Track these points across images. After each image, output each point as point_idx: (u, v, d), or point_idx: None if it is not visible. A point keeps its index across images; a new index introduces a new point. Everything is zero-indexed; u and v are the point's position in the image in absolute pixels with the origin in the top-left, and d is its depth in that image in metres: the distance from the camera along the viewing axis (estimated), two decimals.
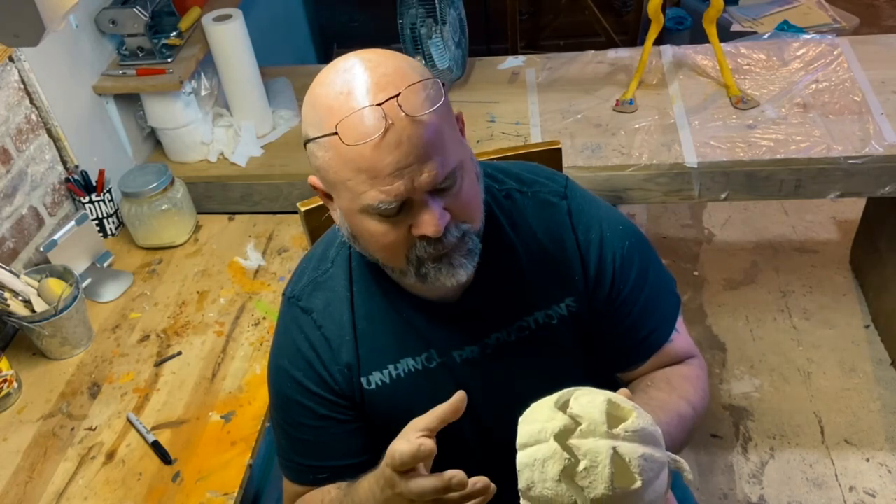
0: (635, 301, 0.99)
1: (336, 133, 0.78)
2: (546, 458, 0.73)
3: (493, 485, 0.78)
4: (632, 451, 0.72)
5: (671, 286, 1.05)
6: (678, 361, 1.03)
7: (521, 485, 0.75)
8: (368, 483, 0.86)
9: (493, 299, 0.97)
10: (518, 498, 0.77)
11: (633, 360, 1.02)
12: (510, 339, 0.98)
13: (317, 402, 0.98)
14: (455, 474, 0.76)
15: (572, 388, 0.78)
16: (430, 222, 0.81)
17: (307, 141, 0.83)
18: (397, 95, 0.76)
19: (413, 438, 0.77)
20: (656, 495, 0.74)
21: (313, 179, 0.88)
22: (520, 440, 0.76)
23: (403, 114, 0.76)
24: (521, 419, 0.78)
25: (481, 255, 0.95)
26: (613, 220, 1.00)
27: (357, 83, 0.78)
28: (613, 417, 0.74)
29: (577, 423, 0.73)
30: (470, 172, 0.86)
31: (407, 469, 0.77)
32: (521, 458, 0.75)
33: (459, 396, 0.80)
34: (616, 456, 0.71)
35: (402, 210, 0.82)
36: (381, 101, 0.76)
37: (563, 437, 0.73)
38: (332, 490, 0.98)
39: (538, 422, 0.75)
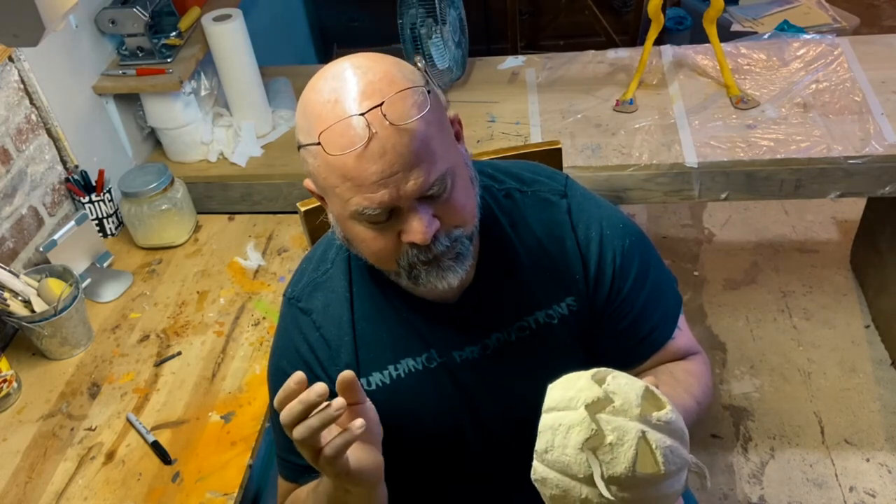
0: (636, 299, 0.98)
1: (320, 143, 0.78)
2: (572, 424, 0.72)
3: (341, 401, 0.77)
4: (660, 439, 0.72)
5: (672, 285, 1.05)
6: (680, 358, 1.03)
7: (539, 446, 0.74)
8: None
9: (494, 299, 0.97)
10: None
11: (634, 358, 1.02)
12: (511, 338, 0.98)
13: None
14: (296, 374, 0.77)
15: (611, 369, 0.77)
16: (417, 230, 0.81)
17: (299, 146, 0.84)
18: (381, 105, 0.76)
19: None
20: (672, 491, 0.74)
21: (308, 183, 0.89)
22: (548, 403, 0.75)
23: (388, 122, 0.76)
24: (551, 385, 0.77)
25: (481, 255, 0.95)
26: (613, 218, 1.00)
27: (344, 91, 0.78)
28: (647, 405, 0.74)
29: (611, 400, 0.73)
30: (462, 177, 0.85)
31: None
32: (546, 419, 0.74)
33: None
34: (643, 440, 0.71)
35: (391, 217, 0.82)
36: (364, 111, 0.76)
37: (593, 409, 0.73)
38: (314, 483, 0.99)
39: (572, 389, 0.75)
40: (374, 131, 0.76)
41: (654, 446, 0.71)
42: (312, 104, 0.80)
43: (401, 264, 0.86)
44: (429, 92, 0.81)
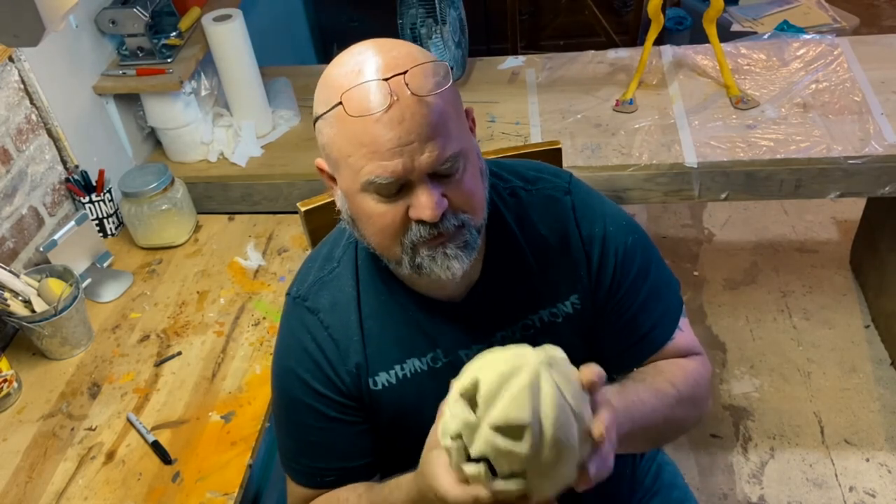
0: (636, 294, 0.98)
1: (341, 103, 0.79)
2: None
3: None
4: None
5: (674, 286, 1.04)
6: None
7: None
8: (407, 492, 0.86)
9: (499, 298, 0.97)
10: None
11: (634, 357, 1.01)
12: (515, 337, 0.98)
13: (325, 404, 0.97)
14: None
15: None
16: (426, 205, 0.81)
17: (316, 119, 0.85)
18: (405, 73, 0.78)
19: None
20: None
21: (319, 161, 0.89)
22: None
23: (409, 92, 0.78)
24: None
25: (487, 253, 0.95)
26: (617, 216, 1.00)
27: (368, 63, 0.80)
28: (472, 400, 0.73)
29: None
30: (473, 165, 0.86)
31: None
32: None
33: None
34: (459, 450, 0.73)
35: (401, 191, 0.82)
36: (387, 77, 0.78)
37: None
38: (349, 497, 0.98)
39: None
40: (395, 98, 0.78)
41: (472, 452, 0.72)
42: (335, 76, 0.82)
43: (404, 245, 0.85)
44: (451, 68, 0.82)
